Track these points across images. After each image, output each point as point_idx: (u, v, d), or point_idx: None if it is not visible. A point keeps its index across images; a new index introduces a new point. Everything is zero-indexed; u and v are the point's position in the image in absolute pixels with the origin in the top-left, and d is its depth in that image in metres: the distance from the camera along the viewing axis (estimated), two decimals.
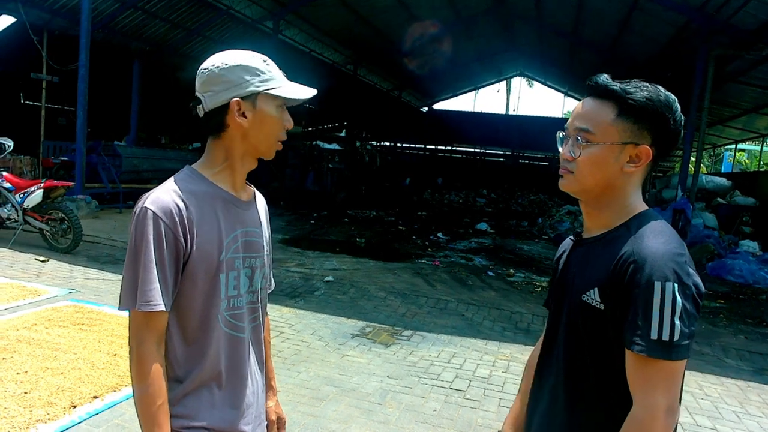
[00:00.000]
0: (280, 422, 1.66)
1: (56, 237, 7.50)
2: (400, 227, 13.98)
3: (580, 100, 1.46)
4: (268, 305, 1.58)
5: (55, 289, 5.65)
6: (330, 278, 7.35)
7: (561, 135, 1.31)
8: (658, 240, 1.14)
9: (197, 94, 1.34)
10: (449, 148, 31.71)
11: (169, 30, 15.82)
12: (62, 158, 12.53)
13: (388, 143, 31.07)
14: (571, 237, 1.39)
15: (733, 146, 25.98)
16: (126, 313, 1.29)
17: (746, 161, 32.01)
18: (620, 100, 1.20)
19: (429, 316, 6.06)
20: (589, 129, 1.23)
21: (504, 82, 34.05)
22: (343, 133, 24.59)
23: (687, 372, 4.09)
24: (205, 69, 1.33)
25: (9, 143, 7.93)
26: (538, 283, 8.28)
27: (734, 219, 13.81)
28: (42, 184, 7.53)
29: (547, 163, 27.98)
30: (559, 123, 1.32)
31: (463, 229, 14.68)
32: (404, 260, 9.39)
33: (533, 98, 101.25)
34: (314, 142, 19.64)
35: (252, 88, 1.32)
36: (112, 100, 15.83)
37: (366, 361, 4.54)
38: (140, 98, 15.70)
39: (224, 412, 1.35)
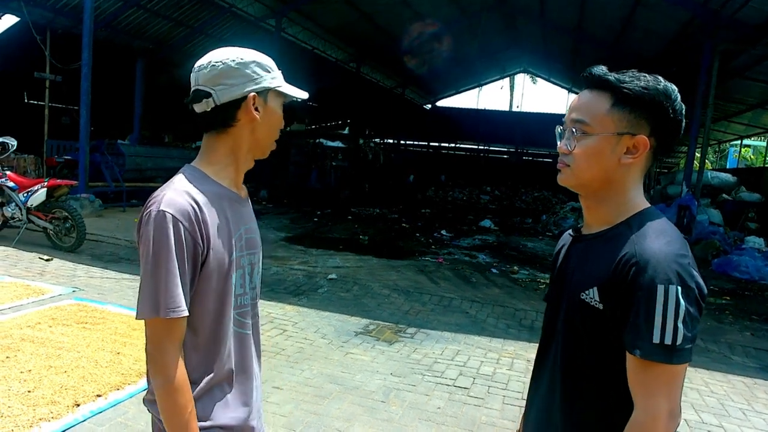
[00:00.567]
0: None
1: (60, 236, 7.52)
2: (404, 225, 13.96)
3: None
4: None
5: (59, 287, 5.66)
6: (333, 276, 7.35)
7: (559, 129, 1.29)
8: (660, 240, 1.12)
9: (203, 87, 1.31)
10: (453, 145, 31.66)
11: (171, 28, 15.84)
12: (66, 157, 12.56)
13: (391, 141, 31.04)
14: (570, 232, 1.37)
15: (739, 142, 25.89)
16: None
17: (752, 157, 31.88)
18: (615, 90, 1.18)
19: (433, 313, 6.04)
20: (584, 120, 1.21)
21: (507, 79, 33.93)
22: (346, 131, 24.57)
23: (693, 369, 4.03)
24: (217, 62, 1.32)
25: (13, 142, 7.94)
26: (542, 280, 8.25)
27: (740, 215, 13.75)
28: (45, 183, 7.55)
29: (550, 160, 27.88)
30: (562, 120, 1.30)
31: (466, 226, 14.65)
32: (408, 258, 9.37)
33: (537, 95, 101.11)
34: (317, 140, 19.62)
35: (265, 84, 1.35)
36: (116, 99, 15.85)
37: (369, 358, 4.53)
38: (143, 97, 15.73)
39: (236, 410, 1.36)
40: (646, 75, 1.19)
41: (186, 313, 1.23)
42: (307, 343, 4.74)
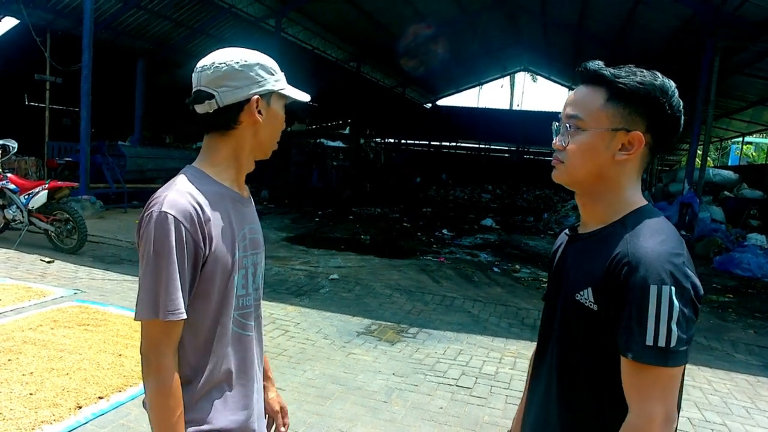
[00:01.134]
0: (283, 411, 1.67)
1: (61, 237, 7.52)
2: (405, 224, 13.95)
3: None
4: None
5: (61, 289, 5.66)
6: (335, 276, 7.34)
7: (556, 126, 1.27)
8: (654, 239, 1.09)
9: (206, 89, 1.30)
10: (454, 144, 31.63)
11: (172, 29, 15.85)
12: (67, 159, 12.57)
13: (392, 140, 31.03)
14: (566, 231, 1.35)
15: (740, 139, 25.83)
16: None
17: (753, 154, 31.83)
18: (610, 85, 1.16)
19: (435, 313, 6.04)
20: (578, 115, 1.19)
21: (508, 78, 33.93)
22: (347, 131, 24.55)
23: (696, 367, 4.00)
24: (221, 63, 1.30)
25: (13, 144, 7.94)
26: (544, 279, 8.24)
27: (742, 212, 13.73)
28: (47, 185, 7.55)
29: (551, 158, 27.78)
30: (558, 116, 1.28)
31: (468, 225, 14.63)
32: (409, 257, 9.36)
33: (537, 93, 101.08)
34: (318, 140, 19.60)
35: (269, 87, 1.34)
36: (116, 100, 15.87)
37: (372, 359, 4.52)
38: (144, 98, 15.74)
39: (236, 413, 1.35)
40: (643, 70, 1.17)
41: (185, 316, 1.22)
42: (309, 344, 4.73)
